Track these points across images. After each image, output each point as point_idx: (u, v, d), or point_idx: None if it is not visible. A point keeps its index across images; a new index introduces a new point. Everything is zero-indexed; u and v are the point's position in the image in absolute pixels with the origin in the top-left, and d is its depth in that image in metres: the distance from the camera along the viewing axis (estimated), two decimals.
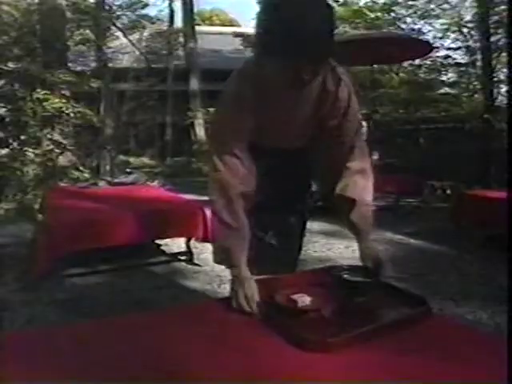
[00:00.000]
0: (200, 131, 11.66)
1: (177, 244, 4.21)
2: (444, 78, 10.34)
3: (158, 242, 4.37)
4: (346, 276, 1.38)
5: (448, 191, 7.73)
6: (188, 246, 3.95)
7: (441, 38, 10.16)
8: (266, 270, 1.65)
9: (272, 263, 1.77)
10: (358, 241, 1.70)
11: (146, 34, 12.80)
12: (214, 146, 1.63)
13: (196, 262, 3.84)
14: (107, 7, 10.19)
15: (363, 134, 1.81)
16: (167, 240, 4.31)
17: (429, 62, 9.92)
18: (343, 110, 1.62)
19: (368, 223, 1.78)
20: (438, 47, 9.45)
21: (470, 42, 9.74)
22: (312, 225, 5.05)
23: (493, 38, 8.70)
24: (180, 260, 3.97)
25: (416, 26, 10.52)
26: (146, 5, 11.85)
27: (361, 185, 1.79)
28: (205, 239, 3.55)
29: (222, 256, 1.53)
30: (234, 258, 1.50)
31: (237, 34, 13.65)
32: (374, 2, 10.47)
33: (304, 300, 1.33)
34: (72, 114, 7.42)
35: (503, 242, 3.33)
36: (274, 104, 1.58)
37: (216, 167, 1.56)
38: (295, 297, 1.33)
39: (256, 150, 1.65)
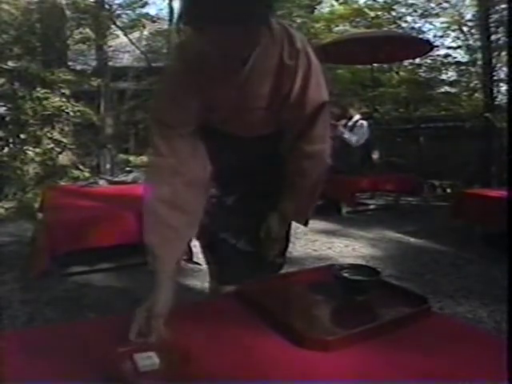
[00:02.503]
0: None
1: None
2: (444, 76, 10.32)
3: None
4: (346, 274, 1.38)
5: (448, 190, 7.74)
6: (188, 245, 3.93)
7: (441, 37, 10.16)
8: (242, 278, 1.50)
9: (249, 271, 1.61)
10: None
11: (146, 32, 12.77)
12: (156, 126, 1.39)
13: (195, 260, 3.83)
14: (107, 6, 10.17)
15: (328, 117, 1.56)
16: None
17: (429, 61, 9.91)
18: (302, 83, 1.40)
19: (296, 208, 1.62)
20: (438, 46, 9.44)
21: (471, 41, 9.73)
22: (312, 223, 5.03)
23: (493, 37, 8.68)
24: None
25: (416, 25, 10.52)
26: (146, 3, 11.81)
27: (309, 169, 1.55)
28: None
29: (150, 259, 1.28)
30: (162, 263, 1.26)
31: None
32: (375, 1, 10.48)
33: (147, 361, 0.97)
34: (72, 113, 7.43)
35: (503, 241, 3.33)
36: (221, 83, 1.38)
37: (159, 151, 1.35)
38: (137, 356, 0.98)
39: (218, 138, 1.49)
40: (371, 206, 6.71)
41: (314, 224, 4.82)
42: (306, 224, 1.69)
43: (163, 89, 1.45)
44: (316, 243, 4.49)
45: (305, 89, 1.41)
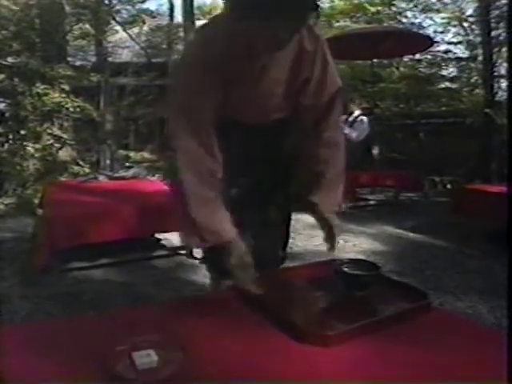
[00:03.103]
0: None
1: (177, 238, 4.20)
2: (444, 72, 10.32)
3: (158, 236, 4.37)
4: (346, 269, 1.38)
5: (448, 186, 7.74)
6: None
7: (441, 33, 10.15)
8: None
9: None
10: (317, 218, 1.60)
11: (145, 28, 12.73)
12: (180, 115, 1.40)
13: (196, 255, 3.83)
14: (107, 1, 10.13)
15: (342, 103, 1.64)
16: (167, 234, 4.31)
17: (429, 57, 9.90)
18: (321, 71, 1.48)
19: (330, 201, 1.63)
20: (438, 41, 9.43)
21: (471, 37, 9.71)
22: (311, 219, 5.03)
23: (494, 33, 8.66)
24: (180, 254, 3.97)
25: (417, 20, 10.51)
26: None
27: (329, 156, 1.61)
28: None
29: (208, 235, 1.35)
30: (226, 231, 1.35)
31: None
32: None
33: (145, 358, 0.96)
34: (72, 109, 7.40)
35: (503, 237, 3.33)
36: (244, 70, 1.41)
37: (182, 141, 1.37)
38: (136, 355, 0.97)
39: (228, 128, 1.49)
40: (371, 202, 6.71)
41: (314, 219, 4.80)
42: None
43: (186, 76, 1.43)
44: (316, 238, 4.48)
45: (324, 73, 1.49)
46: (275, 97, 1.52)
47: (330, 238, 1.55)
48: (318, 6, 1.21)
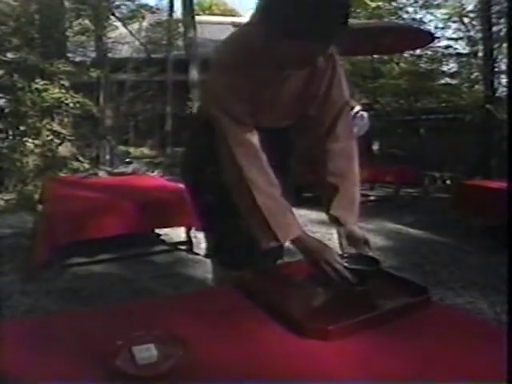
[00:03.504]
0: None
1: (177, 233, 4.21)
2: (445, 68, 10.30)
3: (158, 231, 4.37)
4: (345, 264, 1.38)
5: (448, 181, 7.73)
6: (188, 236, 3.95)
7: (442, 28, 10.10)
8: (250, 263, 1.59)
9: (259, 255, 1.63)
10: (339, 230, 1.59)
11: (145, 23, 12.72)
12: (226, 118, 1.45)
13: (196, 251, 3.84)
14: None
15: (351, 115, 1.74)
16: (167, 229, 4.31)
17: (430, 52, 9.88)
18: (327, 85, 1.58)
19: (351, 213, 1.63)
20: (439, 37, 9.40)
21: (472, 32, 9.69)
22: (311, 214, 5.06)
23: (494, 28, 8.65)
24: (180, 249, 3.97)
25: (417, 16, 10.46)
26: None
27: (343, 168, 1.64)
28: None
29: (282, 233, 1.40)
30: (296, 227, 1.42)
31: (236, 24, 13.56)
32: None
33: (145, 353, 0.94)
34: (71, 105, 7.40)
35: (503, 232, 3.33)
36: (268, 82, 1.50)
37: (237, 141, 1.43)
38: (135, 349, 0.95)
39: None
40: (371, 198, 6.71)
41: (314, 215, 4.81)
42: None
43: (226, 80, 1.47)
44: (316, 234, 4.47)
45: (330, 88, 1.58)
46: (289, 104, 1.60)
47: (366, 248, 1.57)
48: (347, 21, 1.26)
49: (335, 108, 1.61)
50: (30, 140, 6.94)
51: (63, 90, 7.35)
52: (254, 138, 1.46)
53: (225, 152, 1.47)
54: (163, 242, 4.23)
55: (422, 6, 10.22)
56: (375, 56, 8.22)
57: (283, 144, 1.77)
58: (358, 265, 1.39)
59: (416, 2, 10.19)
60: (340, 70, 1.60)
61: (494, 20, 8.62)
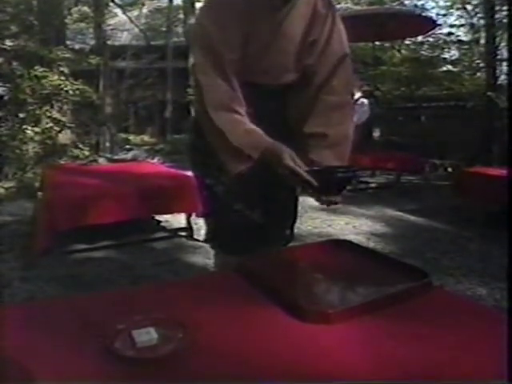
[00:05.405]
0: None
1: (177, 220, 4.21)
2: (446, 55, 10.25)
3: (158, 217, 4.37)
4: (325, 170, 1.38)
5: (449, 169, 7.73)
6: (188, 222, 3.95)
7: (444, 15, 10.05)
8: (252, 250, 1.55)
9: (260, 242, 1.64)
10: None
11: (145, 10, 12.67)
12: (206, 52, 1.42)
13: (196, 237, 3.84)
14: None
15: (350, 70, 1.66)
16: (167, 216, 4.32)
17: (431, 39, 9.82)
18: (328, 33, 1.53)
19: (333, 157, 1.55)
20: (441, 24, 9.34)
21: (474, 20, 9.62)
22: (312, 201, 5.02)
23: (497, 16, 8.58)
24: (180, 236, 3.98)
25: (419, 2, 10.43)
26: None
27: (335, 121, 1.57)
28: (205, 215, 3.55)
29: (252, 151, 1.39)
30: (266, 141, 1.39)
31: None
32: None
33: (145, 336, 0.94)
34: (71, 92, 7.35)
35: (503, 220, 3.33)
36: (262, 24, 1.45)
37: (212, 77, 1.40)
38: (135, 332, 0.95)
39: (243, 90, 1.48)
40: (372, 184, 6.71)
41: (315, 201, 4.80)
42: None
43: (209, 15, 1.45)
44: (316, 221, 4.49)
45: (330, 37, 1.53)
46: (287, 55, 1.53)
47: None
48: None
49: (334, 58, 1.55)
50: (30, 127, 6.92)
51: (62, 77, 7.31)
52: (233, 80, 1.42)
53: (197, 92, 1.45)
54: (163, 228, 4.23)
55: None
56: (376, 43, 8.15)
57: (288, 106, 1.66)
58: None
59: None
60: (339, 22, 1.58)
61: (497, 7, 8.55)
